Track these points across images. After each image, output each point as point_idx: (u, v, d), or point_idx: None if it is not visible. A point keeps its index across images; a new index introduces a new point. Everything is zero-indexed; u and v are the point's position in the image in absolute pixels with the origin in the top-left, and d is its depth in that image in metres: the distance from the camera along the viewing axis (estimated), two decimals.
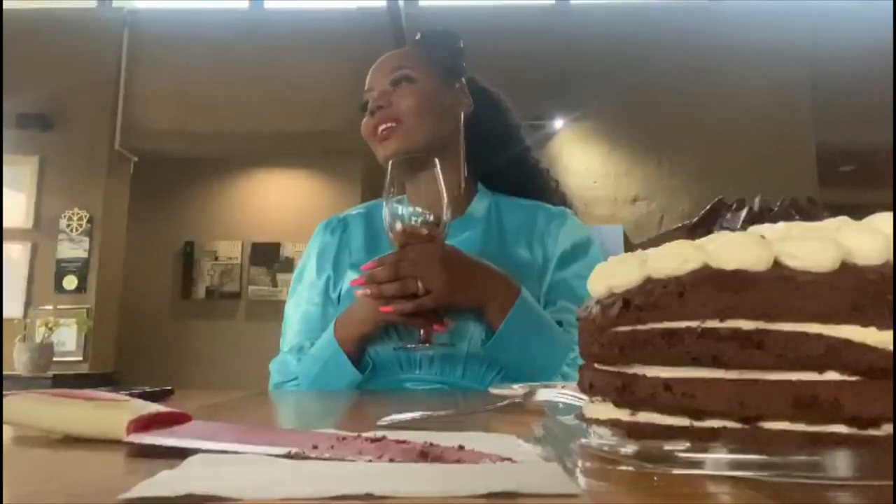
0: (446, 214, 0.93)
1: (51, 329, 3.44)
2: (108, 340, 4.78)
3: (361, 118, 1.13)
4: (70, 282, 4.62)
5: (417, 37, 1.20)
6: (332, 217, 1.22)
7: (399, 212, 0.92)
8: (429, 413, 0.48)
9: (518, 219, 1.14)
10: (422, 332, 0.91)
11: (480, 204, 1.16)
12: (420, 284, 0.89)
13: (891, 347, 0.28)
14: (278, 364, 1.09)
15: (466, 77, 1.19)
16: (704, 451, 0.28)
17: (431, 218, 0.92)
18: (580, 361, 0.38)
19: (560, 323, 1.01)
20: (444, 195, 0.93)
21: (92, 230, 4.68)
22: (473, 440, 0.34)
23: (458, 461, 0.30)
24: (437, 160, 0.94)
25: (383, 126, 1.08)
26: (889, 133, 4.14)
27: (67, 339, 4.30)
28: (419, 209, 0.92)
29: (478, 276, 0.94)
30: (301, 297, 1.14)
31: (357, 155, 4.47)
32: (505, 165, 1.20)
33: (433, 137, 1.09)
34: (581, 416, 0.37)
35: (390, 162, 0.96)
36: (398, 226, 0.92)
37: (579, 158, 4.72)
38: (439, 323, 0.92)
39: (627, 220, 4.40)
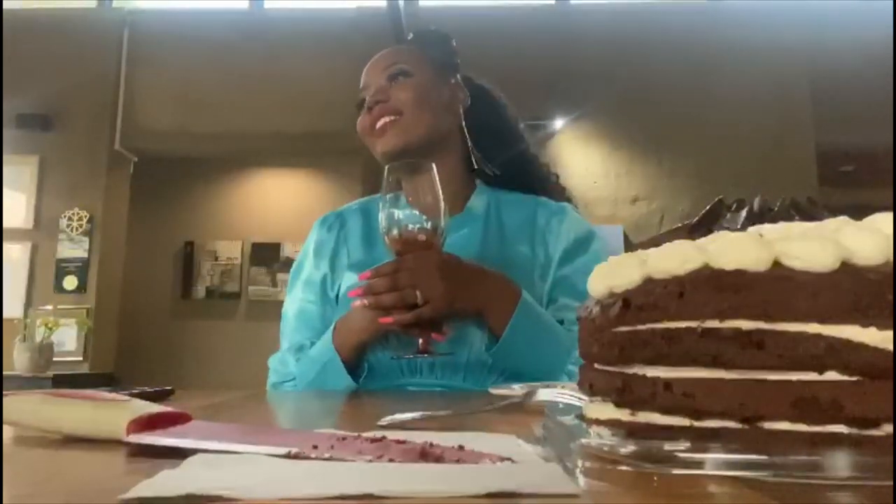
0: (444, 220, 0.91)
1: (51, 329, 3.43)
2: (108, 340, 4.78)
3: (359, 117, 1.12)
4: (70, 282, 4.61)
5: (410, 37, 1.20)
6: (329, 213, 1.20)
7: (396, 217, 0.90)
8: (429, 413, 0.48)
9: (518, 216, 1.12)
10: (420, 341, 0.89)
11: (479, 200, 1.14)
12: (419, 294, 0.87)
13: (891, 347, 0.28)
14: (277, 362, 1.09)
15: (462, 75, 1.19)
16: (704, 451, 0.28)
17: (429, 224, 0.90)
18: None
19: (561, 321, 1.00)
20: (442, 200, 0.90)
21: (92, 230, 4.68)
22: (473, 440, 0.34)
23: (458, 461, 0.30)
24: (433, 164, 0.92)
25: (383, 121, 1.07)
26: (889, 133, 4.14)
27: (67, 339, 4.29)
28: (416, 213, 0.90)
29: (477, 283, 0.93)
30: (296, 295, 1.13)
31: (357, 155, 4.46)
32: (504, 159, 1.19)
33: (432, 131, 1.08)
34: (581, 416, 0.37)
35: (387, 167, 0.94)
36: (395, 232, 0.90)
37: (579, 158, 4.72)
38: (438, 332, 0.90)
39: (627, 220, 4.39)
